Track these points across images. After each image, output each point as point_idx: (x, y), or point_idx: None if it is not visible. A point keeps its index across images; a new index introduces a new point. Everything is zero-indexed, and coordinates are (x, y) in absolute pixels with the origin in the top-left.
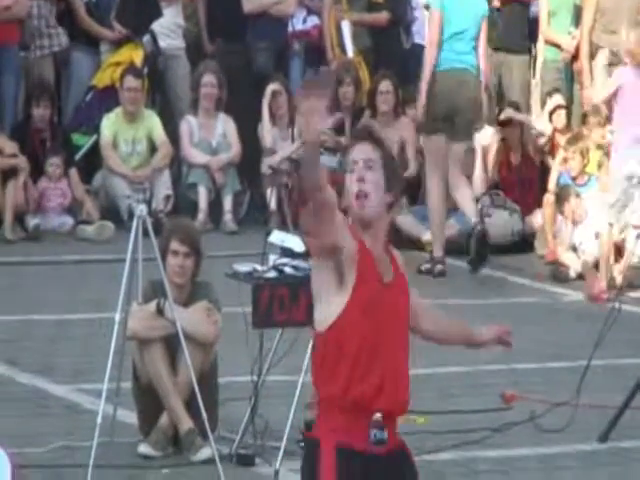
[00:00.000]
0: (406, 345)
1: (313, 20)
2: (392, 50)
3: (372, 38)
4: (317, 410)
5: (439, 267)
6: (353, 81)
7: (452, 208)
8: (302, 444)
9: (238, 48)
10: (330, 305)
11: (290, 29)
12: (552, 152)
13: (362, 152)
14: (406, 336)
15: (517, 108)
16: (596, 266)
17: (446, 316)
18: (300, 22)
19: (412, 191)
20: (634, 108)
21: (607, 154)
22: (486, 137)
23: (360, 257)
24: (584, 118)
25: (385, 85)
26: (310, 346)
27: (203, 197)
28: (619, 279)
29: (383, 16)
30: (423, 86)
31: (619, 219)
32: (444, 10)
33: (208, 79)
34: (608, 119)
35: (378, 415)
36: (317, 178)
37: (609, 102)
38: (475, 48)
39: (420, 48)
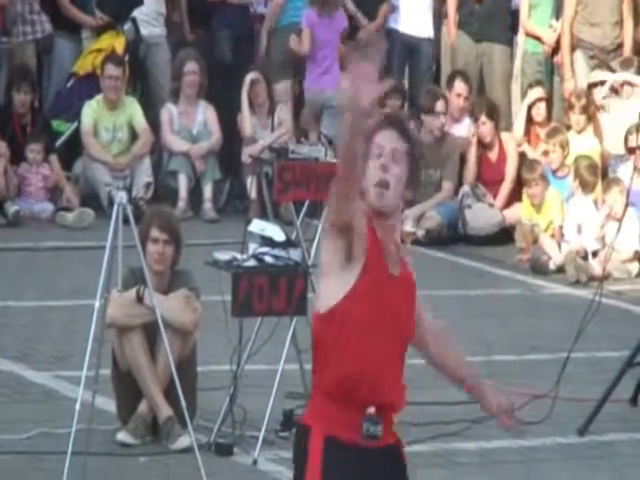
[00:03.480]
0: (403, 343)
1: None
2: None
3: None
4: (312, 393)
5: None
6: None
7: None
8: (292, 430)
9: (205, 36)
10: (335, 285)
11: (252, 11)
12: (531, 145)
13: (391, 140)
14: (404, 335)
15: (491, 114)
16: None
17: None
18: (262, 5)
19: None
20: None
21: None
22: (465, 129)
23: (370, 244)
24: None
25: None
26: (290, 335)
27: (183, 185)
28: (599, 271)
29: None
30: (262, 38)
31: None
32: None
33: (191, 67)
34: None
35: (372, 409)
36: (356, 150)
37: None
38: None
39: (396, 33)
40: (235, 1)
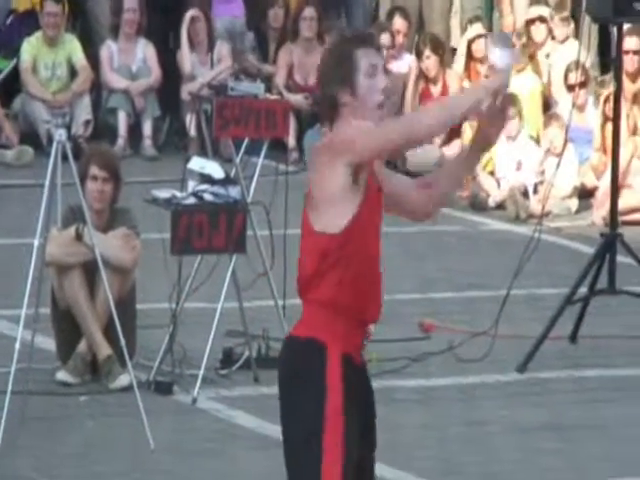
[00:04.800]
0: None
1: None
2: None
3: None
4: (312, 310)
5: None
6: (284, 4)
7: None
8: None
9: None
10: (343, 208)
11: None
12: (471, 81)
13: (379, 59)
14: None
15: (436, 48)
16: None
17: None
18: None
19: None
20: None
21: None
22: (404, 65)
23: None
24: None
25: (309, 11)
26: (229, 273)
27: (123, 122)
28: (538, 208)
29: None
30: None
31: None
32: None
33: (130, 4)
34: None
35: (371, 327)
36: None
37: None
38: None
39: None
40: None
